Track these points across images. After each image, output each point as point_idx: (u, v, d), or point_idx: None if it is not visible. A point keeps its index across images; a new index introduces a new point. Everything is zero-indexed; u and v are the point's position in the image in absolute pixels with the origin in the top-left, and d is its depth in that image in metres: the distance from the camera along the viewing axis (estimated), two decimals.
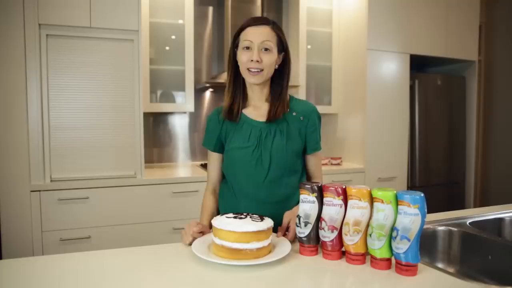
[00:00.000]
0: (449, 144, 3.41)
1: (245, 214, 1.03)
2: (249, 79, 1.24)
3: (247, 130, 1.28)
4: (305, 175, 1.36)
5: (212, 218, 1.26)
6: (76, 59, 2.30)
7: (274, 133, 1.27)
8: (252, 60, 1.20)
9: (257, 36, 1.20)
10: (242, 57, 1.22)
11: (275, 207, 1.23)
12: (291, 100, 1.34)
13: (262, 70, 1.21)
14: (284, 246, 1.03)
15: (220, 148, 1.36)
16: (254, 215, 1.03)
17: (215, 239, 0.98)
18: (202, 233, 1.13)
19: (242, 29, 1.24)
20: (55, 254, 1.07)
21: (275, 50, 1.23)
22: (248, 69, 1.22)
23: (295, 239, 1.10)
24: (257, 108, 1.31)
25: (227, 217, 1.01)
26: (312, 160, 1.35)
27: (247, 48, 1.21)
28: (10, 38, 2.16)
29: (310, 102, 1.38)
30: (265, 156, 1.25)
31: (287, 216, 1.17)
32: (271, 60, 1.22)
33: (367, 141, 3.03)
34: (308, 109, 1.32)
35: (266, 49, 1.21)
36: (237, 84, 1.30)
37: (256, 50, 1.20)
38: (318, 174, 1.37)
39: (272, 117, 1.26)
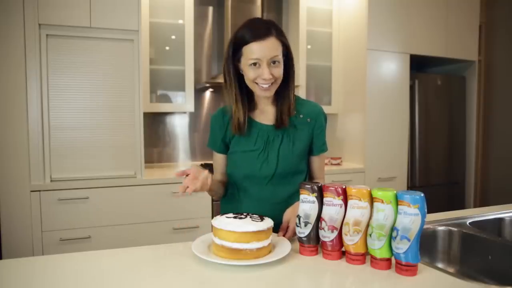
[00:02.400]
0: (449, 144, 3.41)
1: (245, 214, 1.03)
2: (261, 93, 1.20)
3: (254, 134, 1.27)
4: (308, 176, 1.36)
5: (216, 182, 1.32)
6: (76, 59, 2.30)
7: (281, 136, 1.26)
8: (264, 79, 1.15)
9: (265, 53, 1.13)
10: (250, 74, 1.16)
11: (277, 207, 1.22)
12: (297, 101, 1.31)
13: (273, 83, 1.18)
14: (284, 246, 1.03)
15: (225, 149, 1.35)
16: (254, 215, 1.02)
17: (215, 239, 0.98)
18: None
19: (244, 43, 1.15)
20: (55, 254, 1.07)
21: (282, 58, 1.18)
22: (257, 83, 1.18)
23: (294, 238, 1.10)
24: (263, 112, 1.29)
25: (227, 217, 1.01)
26: (316, 161, 1.35)
27: (254, 64, 1.15)
28: (10, 38, 2.16)
29: (315, 103, 1.35)
30: (271, 160, 1.25)
31: (287, 216, 1.17)
32: (281, 71, 1.18)
33: (367, 141, 3.03)
34: (315, 111, 1.30)
35: (274, 62, 1.15)
36: (242, 95, 1.25)
37: (266, 66, 1.14)
38: (322, 175, 1.37)
39: (280, 124, 1.24)
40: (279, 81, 1.20)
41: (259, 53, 1.13)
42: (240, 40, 1.16)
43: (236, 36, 1.18)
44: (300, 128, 1.27)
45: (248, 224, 0.96)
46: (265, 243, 0.98)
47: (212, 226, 1.01)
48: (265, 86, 1.17)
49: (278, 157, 1.24)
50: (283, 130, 1.26)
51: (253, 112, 1.30)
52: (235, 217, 1.00)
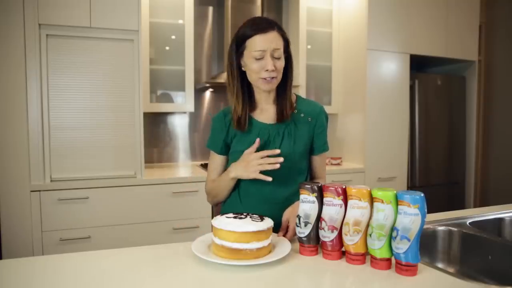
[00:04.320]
0: (449, 144, 3.41)
1: (245, 214, 1.03)
2: (264, 86, 1.22)
3: (255, 133, 1.28)
4: (309, 175, 1.36)
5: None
6: (76, 59, 2.30)
7: (282, 135, 1.26)
8: (267, 70, 1.17)
9: (268, 44, 1.17)
10: (254, 67, 1.19)
11: (277, 207, 1.22)
12: (298, 100, 1.32)
13: (275, 76, 1.20)
14: (284, 246, 1.03)
15: (226, 151, 1.35)
16: (254, 215, 1.03)
17: (215, 239, 0.98)
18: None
19: (248, 36, 1.19)
20: (55, 254, 1.07)
21: (283, 54, 1.22)
22: (260, 77, 1.20)
23: (294, 238, 1.10)
24: (264, 111, 1.30)
25: (227, 217, 1.01)
26: (317, 161, 1.35)
27: (258, 56, 1.18)
28: (10, 38, 2.16)
29: (317, 102, 1.36)
30: (272, 159, 1.25)
31: (286, 215, 1.17)
32: (282, 65, 1.21)
33: (367, 141, 3.03)
34: (316, 110, 1.31)
35: (277, 55, 1.19)
36: (243, 91, 1.27)
37: (269, 57, 1.17)
38: (323, 174, 1.37)
39: (283, 118, 1.25)
40: (280, 75, 1.22)
41: (263, 45, 1.17)
42: (244, 35, 1.20)
43: (239, 31, 1.22)
44: (301, 127, 1.28)
45: (248, 224, 0.96)
46: (265, 243, 0.98)
47: (212, 226, 1.01)
48: (268, 78, 1.19)
49: (279, 156, 1.24)
50: (283, 129, 1.26)
51: (254, 111, 1.31)
52: (235, 217, 1.00)
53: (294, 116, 1.28)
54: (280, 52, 1.19)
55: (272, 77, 1.20)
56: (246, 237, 0.95)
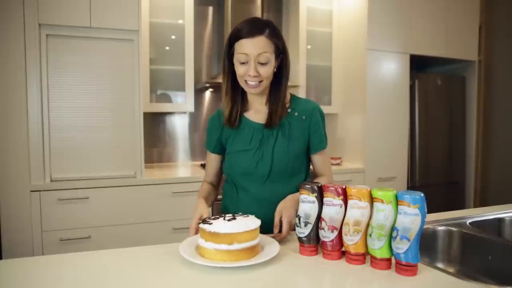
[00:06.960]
0: (449, 144, 3.41)
1: (230, 214, 1.02)
2: (248, 90, 1.23)
3: (249, 133, 1.28)
4: (309, 175, 1.35)
5: (208, 197, 1.32)
6: (76, 59, 2.30)
7: (276, 135, 1.26)
8: (249, 75, 1.17)
9: (253, 50, 1.14)
10: (239, 70, 1.19)
11: (276, 206, 1.22)
12: (293, 100, 1.32)
13: (261, 81, 1.19)
14: (271, 244, 1.03)
15: (220, 149, 1.36)
16: (237, 215, 1.02)
17: (208, 244, 0.95)
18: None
19: (236, 39, 1.18)
20: (55, 254, 1.07)
21: (272, 58, 1.19)
22: (246, 81, 1.19)
23: (294, 238, 1.10)
24: (258, 111, 1.30)
25: (216, 220, 0.99)
26: (318, 159, 1.33)
27: (243, 60, 1.17)
28: (10, 38, 2.16)
29: (312, 100, 1.35)
30: (266, 158, 1.25)
31: (278, 213, 1.15)
32: (268, 71, 1.18)
33: (367, 141, 3.03)
34: (310, 108, 1.30)
35: (262, 61, 1.16)
36: (235, 90, 1.27)
37: (252, 63, 1.15)
38: (327, 171, 1.35)
39: (273, 124, 1.24)
40: (266, 81, 1.21)
41: (247, 50, 1.16)
42: (234, 36, 1.19)
43: (232, 32, 1.21)
44: (295, 126, 1.27)
45: (242, 224, 0.96)
46: (257, 240, 0.98)
47: (200, 230, 0.99)
48: (252, 83, 1.18)
49: (273, 155, 1.25)
50: (277, 129, 1.27)
51: (248, 111, 1.31)
52: (224, 219, 0.99)
53: (288, 115, 1.28)
54: (266, 57, 1.16)
55: (259, 81, 1.18)
56: (245, 236, 0.95)
